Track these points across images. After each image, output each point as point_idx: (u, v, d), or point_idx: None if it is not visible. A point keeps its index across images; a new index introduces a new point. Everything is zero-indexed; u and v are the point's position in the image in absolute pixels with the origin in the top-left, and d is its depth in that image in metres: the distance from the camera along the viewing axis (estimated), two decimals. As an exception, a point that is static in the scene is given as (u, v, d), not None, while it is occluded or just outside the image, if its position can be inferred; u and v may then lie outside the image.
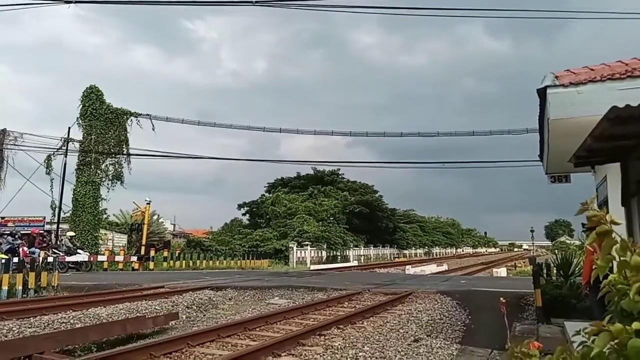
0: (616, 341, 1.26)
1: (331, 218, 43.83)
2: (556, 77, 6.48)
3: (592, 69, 6.76)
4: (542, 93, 6.53)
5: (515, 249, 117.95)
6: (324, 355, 6.86)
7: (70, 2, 11.24)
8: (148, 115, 28.82)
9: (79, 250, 22.63)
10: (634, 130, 4.42)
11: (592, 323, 1.40)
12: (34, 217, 27.47)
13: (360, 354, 6.94)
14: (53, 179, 27.83)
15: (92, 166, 27.54)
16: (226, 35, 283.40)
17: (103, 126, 28.03)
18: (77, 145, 28.09)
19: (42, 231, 24.28)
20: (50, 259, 16.73)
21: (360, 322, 9.40)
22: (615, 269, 1.50)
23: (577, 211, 1.84)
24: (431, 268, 33.14)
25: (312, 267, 33.07)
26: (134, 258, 24.79)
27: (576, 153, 5.50)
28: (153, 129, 28.74)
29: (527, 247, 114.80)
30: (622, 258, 1.46)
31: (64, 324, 9.04)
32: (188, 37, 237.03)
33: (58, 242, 23.71)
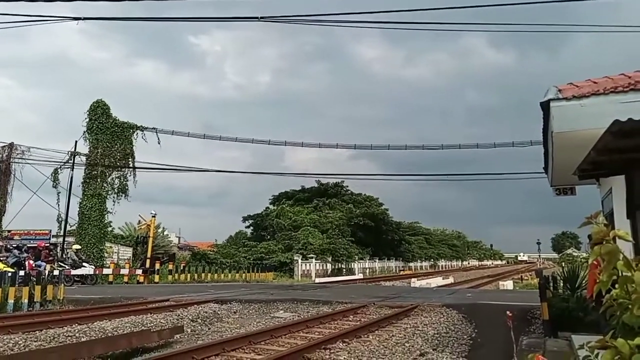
0: (618, 357, 1.28)
1: (336, 230, 43.71)
2: (559, 90, 6.50)
3: (595, 82, 6.78)
4: (545, 106, 6.54)
5: (522, 262, 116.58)
6: (329, 369, 6.83)
7: (79, 19, 11.43)
8: (154, 128, 29.12)
9: (84, 264, 22.68)
10: (637, 143, 4.44)
11: (597, 340, 1.42)
12: (40, 230, 27.62)
13: (366, 368, 6.90)
14: (59, 192, 28.12)
15: (99, 179, 27.74)
16: (230, 49, 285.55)
17: (109, 140, 28.30)
18: (83, 158, 28.36)
19: (48, 244, 24.39)
20: (56, 272, 16.82)
21: (366, 335, 9.36)
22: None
23: (581, 224, 1.86)
24: (437, 281, 32.94)
25: (317, 280, 32.96)
26: (139, 271, 24.80)
27: (580, 166, 5.51)
28: (158, 143, 29.07)
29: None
30: (624, 274, 1.48)
31: (69, 338, 9.05)
32: (192, 51, 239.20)
33: (64, 256, 23.79)
